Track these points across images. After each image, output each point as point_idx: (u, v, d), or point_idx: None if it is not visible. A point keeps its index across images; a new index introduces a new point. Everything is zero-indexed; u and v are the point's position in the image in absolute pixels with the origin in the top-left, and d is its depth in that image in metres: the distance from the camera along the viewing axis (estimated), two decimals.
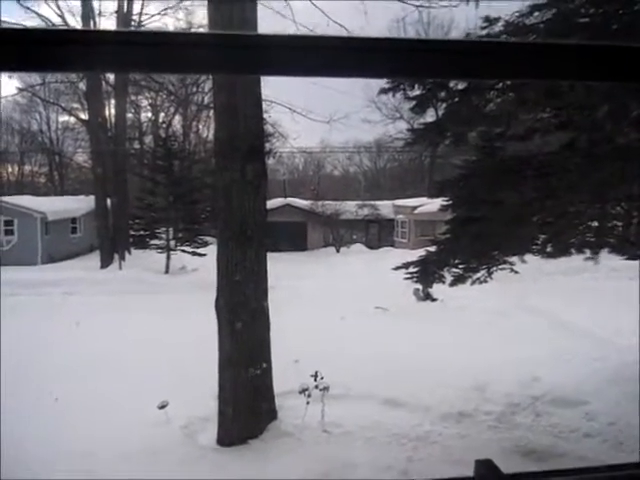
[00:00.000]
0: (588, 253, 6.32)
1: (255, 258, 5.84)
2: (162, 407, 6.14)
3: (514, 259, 6.65)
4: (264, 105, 6.44)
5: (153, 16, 24.81)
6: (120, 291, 15.67)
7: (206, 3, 6.25)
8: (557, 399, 6.84)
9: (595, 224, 6.45)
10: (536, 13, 4.38)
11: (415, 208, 26.81)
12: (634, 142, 6.07)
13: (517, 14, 4.40)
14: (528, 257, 7.33)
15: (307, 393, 6.28)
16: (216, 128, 6.06)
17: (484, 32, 4.49)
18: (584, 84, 4.24)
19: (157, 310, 12.42)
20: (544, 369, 7.58)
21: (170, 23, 28.38)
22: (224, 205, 5.83)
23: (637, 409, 6.25)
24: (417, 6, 8.13)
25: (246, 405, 6.06)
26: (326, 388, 6.36)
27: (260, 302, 6.00)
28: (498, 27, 4.45)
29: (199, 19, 24.88)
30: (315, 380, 6.41)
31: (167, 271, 20.18)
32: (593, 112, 5.55)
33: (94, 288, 16.27)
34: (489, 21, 4.39)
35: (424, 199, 26.16)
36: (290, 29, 10.06)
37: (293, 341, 8.20)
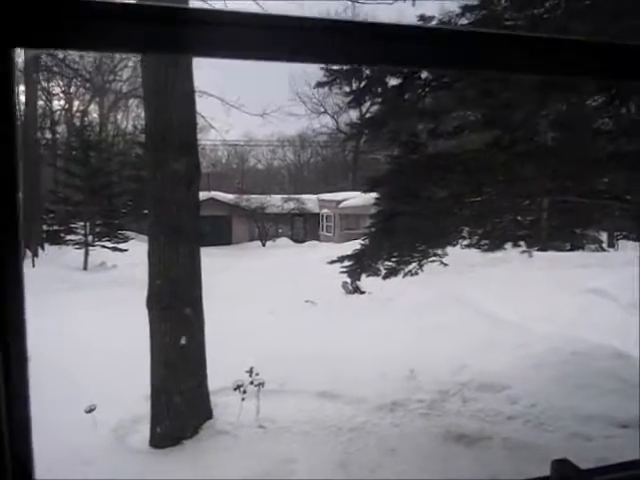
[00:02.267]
0: (523, 246, 6.65)
1: (189, 254, 5.69)
2: (89, 411, 5.85)
3: (442, 252, 6.90)
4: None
5: None
6: (34, 289, 14.76)
7: None
8: (483, 385, 7.16)
9: (519, 218, 6.79)
10: (468, 14, 4.53)
11: (340, 202, 27.16)
12: (553, 141, 6.41)
13: (450, 14, 4.53)
14: (451, 249, 7.62)
15: (242, 390, 6.21)
16: (147, 121, 5.83)
17: None
18: (518, 85, 4.44)
19: (76, 309, 11.82)
20: (471, 357, 7.91)
21: None
22: (155, 200, 5.63)
23: (558, 392, 6.69)
24: (353, 1, 8.18)
25: (179, 405, 5.91)
26: (261, 384, 6.32)
27: (194, 299, 5.85)
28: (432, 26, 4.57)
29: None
30: (250, 376, 6.36)
31: (85, 267, 19.28)
32: (516, 112, 5.81)
33: None
34: (424, 20, 4.49)
35: (348, 193, 26.53)
36: None
37: (224, 337, 8.08)
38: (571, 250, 19.89)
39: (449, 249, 7.63)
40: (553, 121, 6.42)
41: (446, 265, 7.28)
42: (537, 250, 13.14)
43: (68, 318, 10.63)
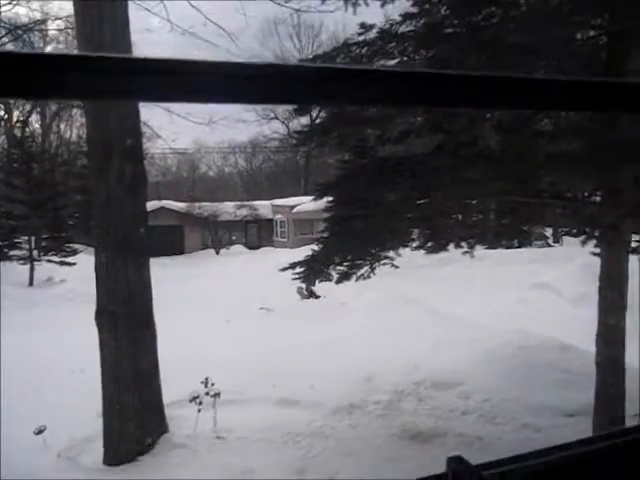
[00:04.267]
0: (465, 247, 6.83)
1: (137, 266, 5.58)
2: (39, 432, 5.65)
3: (393, 254, 7.01)
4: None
5: (4, 5, 22.63)
6: None
7: None
8: (437, 383, 7.32)
9: (466, 218, 6.98)
10: (408, 22, 4.64)
11: (293, 207, 27.19)
12: (496, 144, 6.62)
13: (390, 22, 4.63)
14: (401, 251, 7.75)
15: (198, 401, 6.13)
16: (88, 128, 5.70)
17: (360, 38, 4.68)
18: None
19: (23, 327, 11.39)
20: (424, 356, 8.06)
21: (23, 13, 26.03)
22: (101, 210, 5.50)
23: (509, 385, 6.90)
24: (296, 10, 8.25)
25: (133, 420, 5.78)
26: (217, 394, 6.25)
27: (145, 312, 5.75)
28: (373, 34, 4.66)
29: (55, 10, 23.20)
30: (205, 387, 6.28)
31: (31, 283, 18.60)
32: (459, 117, 5.98)
33: None
34: (365, 27, 4.57)
35: (302, 198, 26.58)
36: (165, 29, 9.74)
37: (178, 348, 7.96)
38: (518, 247, 20.56)
39: (400, 251, 7.76)
40: (495, 125, 6.63)
41: (397, 267, 7.40)
42: (485, 248, 13.54)
43: (14, 337, 10.23)
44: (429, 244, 6.54)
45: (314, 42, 39.01)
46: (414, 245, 6.94)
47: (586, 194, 6.94)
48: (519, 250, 18.94)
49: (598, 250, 6.02)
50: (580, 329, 6.64)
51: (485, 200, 7.62)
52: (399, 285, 12.39)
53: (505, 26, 4.65)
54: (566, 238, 21.52)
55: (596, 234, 6.44)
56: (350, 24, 5.35)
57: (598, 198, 6.62)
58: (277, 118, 38.02)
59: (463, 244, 6.72)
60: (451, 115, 6.05)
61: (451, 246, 6.91)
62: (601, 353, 5.37)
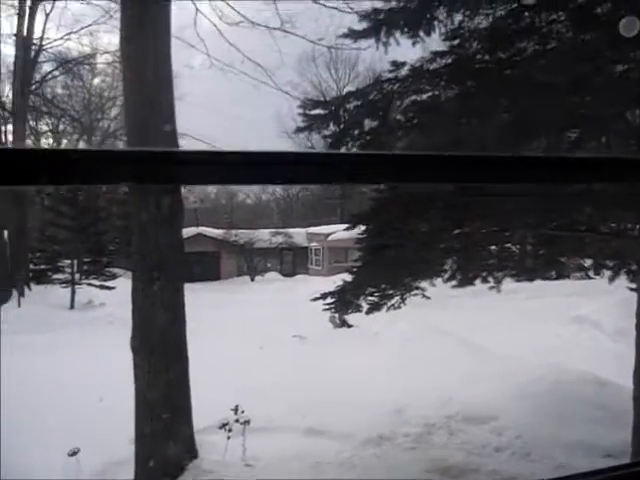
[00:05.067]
0: (491, 282, 6.79)
1: (172, 293, 5.75)
2: (73, 454, 5.80)
3: (425, 284, 7.01)
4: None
5: (56, 40, 23.88)
6: (20, 330, 14.64)
7: (111, 28, 6.24)
8: (469, 417, 7.20)
9: (497, 251, 6.95)
10: (438, 59, 4.75)
11: (328, 235, 27.32)
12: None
13: (421, 60, 4.75)
14: (434, 281, 7.73)
15: (227, 428, 6.20)
16: None
17: (391, 75, 4.81)
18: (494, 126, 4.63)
19: (62, 348, 11.72)
20: (456, 389, 7.94)
21: (74, 48, 27.40)
22: (139, 239, 5.72)
23: (543, 421, 6.73)
24: (328, 47, 8.53)
25: (164, 446, 5.88)
26: (247, 422, 6.31)
27: (178, 338, 5.89)
28: (405, 71, 4.78)
29: (104, 44, 24.33)
30: (235, 414, 6.35)
31: (72, 306, 19.14)
32: (493, 150, 5.99)
33: None
34: (396, 65, 4.70)
35: (337, 226, 26.72)
36: (205, 64, 10.18)
37: (211, 374, 8.07)
38: (557, 279, 20.08)
39: (432, 281, 7.75)
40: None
41: (428, 298, 7.38)
42: (521, 280, 13.31)
43: (54, 358, 10.54)
44: (458, 277, 6.52)
45: (351, 73, 39.56)
46: (446, 276, 6.93)
47: (622, 227, 6.84)
48: (557, 282, 18.51)
49: (634, 285, 5.90)
50: (618, 364, 6.46)
51: (519, 232, 7.58)
52: (431, 316, 12.27)
53: (536, 62, 4.71)
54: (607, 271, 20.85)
55: (632, 268, 6.32)
56: (386, 55, 5.47)
57: (635, 232, 6.52)
58: (313, 147, 38.55)
59: (490, 279, 6.68)
60: (486, 144, 6.09)
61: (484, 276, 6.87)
62: (639, 389, 5.23)
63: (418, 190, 6.62)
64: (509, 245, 8.52)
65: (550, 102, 5.17)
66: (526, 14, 5.40)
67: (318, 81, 39.64)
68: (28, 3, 21.44)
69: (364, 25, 4.61)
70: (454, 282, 6.74)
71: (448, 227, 6.61)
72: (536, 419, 6.80)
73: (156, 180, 0.72)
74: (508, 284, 8.81)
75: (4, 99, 24.78)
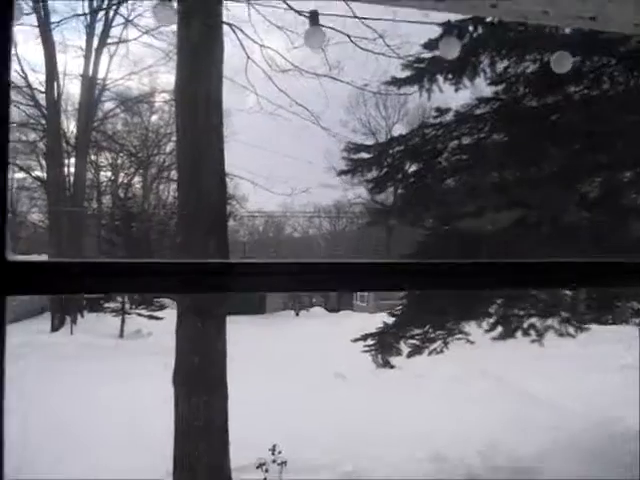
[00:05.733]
0: (533, 335, 6.59)
1: (215, 330, 5.84)
2: None
3: (469, 328, 6.86)
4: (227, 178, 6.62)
5: (117, 80, 25.18)
6: (72, 356, 15.09)
7: (170, 69, 6.56)
8: (516, 469, 6.90)
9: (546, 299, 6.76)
10: (482, 105, 4.76)
11: None
12: (583, 220, 6.41)
13: (465, 106, 4.77)
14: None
15: (264, 468, 6.15)
16: (179, 205, 6.18)
17: (436, 120, 4.84)
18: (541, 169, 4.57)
19: (111, 376, 12.00)
20: (500, 436, 7.65)
21: (134, 87, 28.81)
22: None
23: (592, 474, 6.38)
24: (374, 92, 8.69)
25: None
26: (284, 462, 6.25)
27: (219, 375, 5.95)
28: (449, 117, 4.81)
29: (163, 83, 25.46)
30: (273, 454, 6.31)
31: (121, 335, 19.62)
32: (541, 192, 5.89)
33: (43, 352, 15.62)
34: (440, 111, 4.74)
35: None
36: (255, 107, 10.60)
37: (250, 411, 8.06)
38: (612, 324, 19.20)
39: (477, 324, 7.57)
40: (581, 199, 6.46)
41: (472, 343, 7.20)
42: (564, 335, 12.72)
43: (99, 386, 10.79)
44: (500, 328, 6.36)
45: (400, 110, 39.82)
46: (491, 321, 6.77)
47: None
48: (611, 327, 17.71)
49: None
50: None
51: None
52: (476, 359, 11.92)
53: (581, 112, 4.65)
54: None
55: None
56: (437, 93, 5.50)
57: None
58: (361, 184, 38.75)
59: (532, 332, 6.47)
60: (532, 189, 6.00)
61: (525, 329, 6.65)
62: None
63: (466, 231, 6.56)
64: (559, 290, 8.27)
65: (598, 146, 5.07)
66: (575, 59, 5.35)
67: (367, 119, 40.11)
68: (94, 46, 22.77)
69: (407, 73, 4.68)
70: (495, 334, 6.57)
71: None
72: (585, 472, 6.45)
73: (201, 290, 0.81)
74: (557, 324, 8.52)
75: (69, 134, 26.16)
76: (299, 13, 6.91)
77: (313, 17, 2.35)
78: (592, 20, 1.31)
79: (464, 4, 1.18)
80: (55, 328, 20.38)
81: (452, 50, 3.13)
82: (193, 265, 0.68)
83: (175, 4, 2.69)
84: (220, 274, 0.69)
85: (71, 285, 0.64)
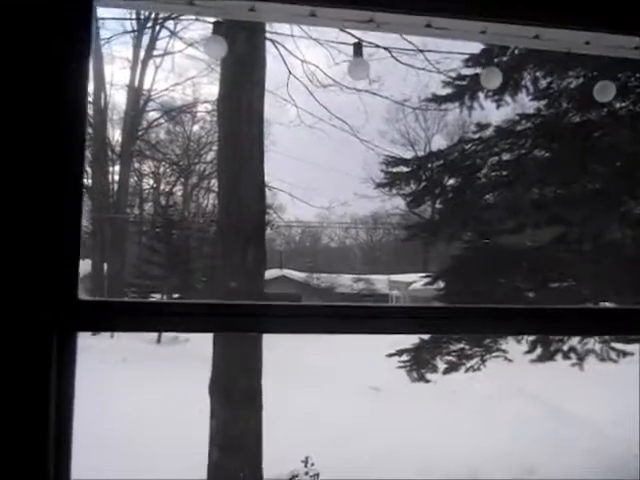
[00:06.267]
0: (574, 359, 6.42)
1: (252, 341, 5.91)
2: None
3: (507, 347, 6.74)
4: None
5: (162, 91, 25.87)
6: (110, 360, 15.44)
7: (212, 80, 6.72)
8: None
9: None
10: (524, 121, 4.71)
11: (410, 284, 26.91)
12: (626, 238, 6.25)
13: (507, 121, 4.73)
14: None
15: None
16: (219, 214, 6.31)
17: (475, 135, 4.82)
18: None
19: (148, 381, 12.22)
20: (538, 459, 7.47)
21: (178, 97, 29.56)
22: (222, 286, 5.96)
23: None
24: (414, 108, 8.70)
25: None
26: (317, 475, 6.26)
27: (254, 385, 6.01)
28: (489, 132, 4.77)
29: (205, 94, 26.04)
30: (305, 466, 6.32)
31: (159, 340, 19.99)
32: (582, 209, 5.77)
33: (83, 356, 16.02)
34: (480, 126, 4.71)
35: (419, 275, 26.31)
36: (295, 121, 10.78)
37: (284, 421, 8.09)
38: None
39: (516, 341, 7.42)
40: (623, 218, 6.30)
41: (510, 361, 7.06)
42: (616, 350, 12.31)
43: (136, 390, 11.01)
44: (538, 350, 6.22)
45: (439, 122, 39.52)
46: (524, 350, 6.62)
47: None
48: None
49: None
50: None
51: (612, 298, 7.15)
52: (514, 377, 11.64)
53: (625, 128, 4.55)
54: None
55: None
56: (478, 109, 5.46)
57: None
58: (399, 194, 38.55)
59: (572, 355, 6.30)
60: (573, 207, 5.88)
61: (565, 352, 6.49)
62: None
63: (502, 247, 6.47)
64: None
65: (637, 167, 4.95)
66: (619, 75, 5.25)
67: (406, 130, 39.97)
68: (140, 58, 23.47)
69: (448, 90, 4.68)
70: (533, 356, 6.43)
71: (531, 289, 6.38)
72: None
73: (236, 330, 0.88)
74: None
75: (114, 143, 26.96)
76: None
77: (357, 49, 2.38)
78: (637, 49, 1.31)
79: (508, 36, 1.20)
80: (95, 332, 20.92)
81: (494, 81, 3.12)
82: (228, 307, 0.73)
83: (224, 39, 2.76)
84: (254, 315, 0.74)
85: (133, 324, 0.69)
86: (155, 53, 24.13)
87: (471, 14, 1.13)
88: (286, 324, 0.75)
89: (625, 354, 7.09)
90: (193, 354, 16.66)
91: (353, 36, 7.13)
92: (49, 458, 0.64)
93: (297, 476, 6.15)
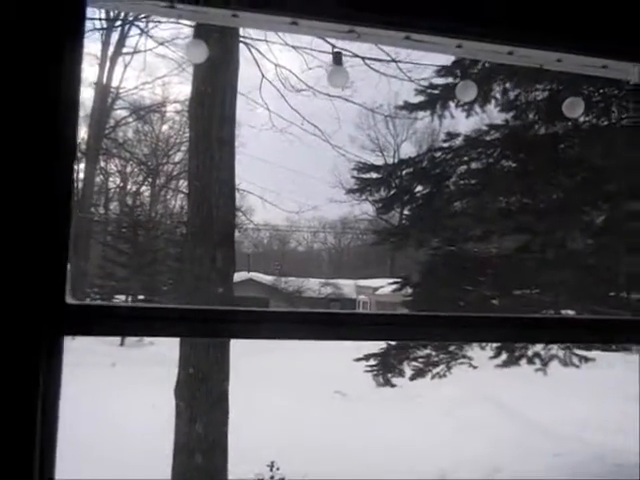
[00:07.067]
0: (538, 364, 6.58)
1: (219, 345, 5.87)
2: None
3: (472, 353, 6.86)
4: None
5: (131, 89, 25.50)
6: (71, 363, 15.08)
7: (182, 80, 6.67)
8: None
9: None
10: (492, 131, 4.82)
11: (377, 289, 27.11)
12: (588, 248, 6.42)
13: (476, 131, 4.84)
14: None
15: None
16: (189, 215, 6.26)
17: (445, 144, 4.91)
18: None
19: (110, 385, 12.00)
20: (505, 461, 7.62)
21: (147, 96, 29.21)
22: (191, 289, 5.91)
23: None
24: (386, 115, 8.80)
25: None
26: (282, 479, 6.25)
27: (221, 388, 5.97)
28: (459, 141, 4.87)
29: (175, 93, 25.80)
30: (271, 470, 6.30)
31: (122, 343, 19.62)
32: (546, 219, 5.92)
33: None
34: (450, 136, 4.80)
35: (386, 280, 26.53)
36: (266, 125, 10.80)
37: (249, 425, 8.05)
38: (617, 351, 19.00)
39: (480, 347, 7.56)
40: (586, 228, 6.48)
41: (475, 367, 7.20)
42: (578, 356, 12.62)
43: (98, 394, 10.79)
44: (503, 356, 6.36)
45: (409, 129, 39.94)
46: (489, 355, 6.76)
47: None
48: (615, 354, 17.58)
49: None
50: None
51: (573, 305, 7.35)
52: (480, 382, 11.86)
53: (588, 141, 4.71)
54: None
55: None
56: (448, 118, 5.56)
57: None
58: (367, 200, 38.83)
59: (536, 360, 6.47)
60: (538, 216, 6.04)
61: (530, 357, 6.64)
62: None
63: (468, 255, 6.59)
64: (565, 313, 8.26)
65: (605, 176, 5.11)
66: (586, 89, 5.42)
67: (376, 136, 40.31)
68: (109, 55, 23.10)
69: (420, 98, 4.76)
70: (498, 362, 6.57)
71: (496, 296, 6.51)
72: None
73: (207, 335, 0.88)
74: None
75: (79, 140, 26.45)
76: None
77: (337, 57, 2.41)
78: (604, 68, 1.37)
79: (483, 51, 1.24)
80: None
81: (469, 93, 3.19)
82: (199, 312, 0.75)
83: (205, 44, 2.75)
84: (223, 321, 0.75)
85: (121, 328, 0.69)
86: (124, 51, 23.77)
87: (447, 32, 1.17)
88: (254, 330, 0.76)
89: (587, 359, 7.31)
90: (157, 357, 16.44)
91: (328, 42, 7.18)
92: (34, 461, 0.63)
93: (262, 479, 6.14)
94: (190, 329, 0.72)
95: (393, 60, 7.79)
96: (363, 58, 7.93)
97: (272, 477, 6.20)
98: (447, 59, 5.04)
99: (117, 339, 19.56)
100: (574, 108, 3.02)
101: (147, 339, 19.69)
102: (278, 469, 6.26)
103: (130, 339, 19.70)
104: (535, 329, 1.01)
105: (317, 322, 0.79)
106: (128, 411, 9.43)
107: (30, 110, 0.64)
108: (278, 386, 12.74)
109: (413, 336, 1.13)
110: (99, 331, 0.69)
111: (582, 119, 5.55)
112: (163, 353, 15.79)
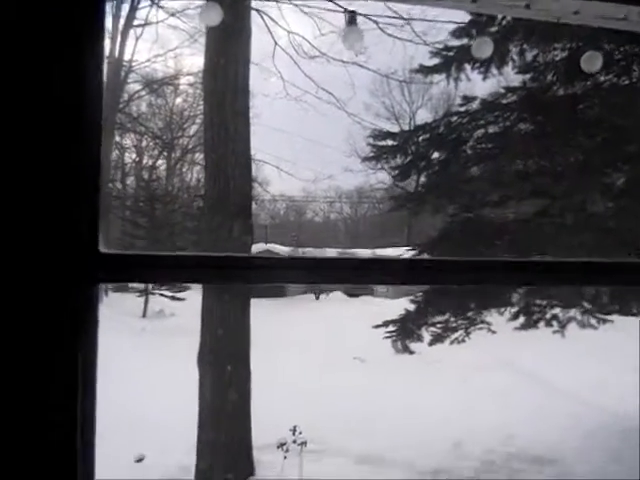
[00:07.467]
0: (556, 326, 6.58)
1: (240, 312, 5.96)
2: (138, 460, 6.10)
3: (490, 318, 6.88)
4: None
5: (142, 63, 25.37)
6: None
7: (195, 51, 6.64)
8: (532, 457, 6.95)
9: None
10: (509, 94, 4.74)
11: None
12: (608, 211, 6.34)
13: (493, 94, 4.76)
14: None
15: (285, 448, 6.29)
16: (206, 187, 6.30)
17: (462, 109, 4.84)
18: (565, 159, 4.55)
19: (131, 353, 12.28)
20: (520, 426, 7.69)
21: (160, 69, 29.09)
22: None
23: (612, 470, 6.40)
24: (401, 81, 8.65)
25: (224, 457, 6.06)
26: (304, 443, 6.38)
27: (243, 355, 6.09)
28: (475, 105, 4.80)
29: (188, 66, 25.62)
30: (293, 434, 6.44)
31: (144, 315, 20.00)
32: (565, 181, 5.84)
33: None
34: (466, 99, 4.73)
35: (403, 248, 26.49)
36: (281, 93, 10.68)
37: (272, 391, 8.21)
38: (635, 314, 18.86)
39: (499, 312, 7.58)
40: (606, 190, 6.38)
41: (494, 333, 7.22)
42: (596, 317, 12.57)
43: (122, 363, 11.05)
44: (521, 319, 6.36)
45: (424, 95, 39.26)
46: (508, 317, 6.77)
47: None
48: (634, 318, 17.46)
49: None
50: None
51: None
52: (498, 347, 11.90)
53: (609, 101, 4.61)
54: None
55: None
56: (464, 81, 5.47)
57: None
58: (383, 168, 38.54)
59: (554, 322, 6.46)
60: (557, 179, 5.96)
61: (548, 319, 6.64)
62: None
63: (485, 220, 6.55)
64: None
65: (625, 136, 5.01)
66: (606, 46, 5.28)
67: (391, 103, 39.72)
68: (120, 28, 22.93)
69: (435, 61, 4.68)
70: (516, 324, 6.57)
71: (517, 258, 6.49)
72: (605, 466, 6.48)
73: (225, 281, 0.90)
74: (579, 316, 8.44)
75: None
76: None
77: (351, 18, 2.38)
78: (624, 20, 1.35)
79: (499, 5, 1.22)
80: None
81: (485, 50, 3.13)
82: (216, 259, 0.76)
83: (219, 6, 2.72)
84: (241, 268, 0.77)
85: (152, 275, 0.72)
86: (135, 23, 23.56)
87: None
88: (270, 275, 0.78)
89: (605, 322, 7.29)
90: (179, 328, 16.74)
91: (339, 5, 7.05)
92: (77, 420, 0.67)
93: (285, 444, 6.27)
94: (208, 275, 0.75)
95: (407, 19, 7.64)
96: (377, 22, 7.80)
97: (294, 441, 6.34)
98: (462, 17, 4.94)
99: (139, 311, 19.94)
100: (592, 62, 2.95)
101: (168, 311, 20.04)
102: (301, 433, 6.40)
103: (151, 311, 20.08)
104: (565, 273, 1.02)
105: (334, 267, 0.81)
106: (151, 381, 9.65)
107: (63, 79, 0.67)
108: (298, 352, 12.94)
109: (449, 280, 1.14)
110: (130, 278, 0.72)
111: (602, 78, 5.42)
112: (182, 324, 16.13)
